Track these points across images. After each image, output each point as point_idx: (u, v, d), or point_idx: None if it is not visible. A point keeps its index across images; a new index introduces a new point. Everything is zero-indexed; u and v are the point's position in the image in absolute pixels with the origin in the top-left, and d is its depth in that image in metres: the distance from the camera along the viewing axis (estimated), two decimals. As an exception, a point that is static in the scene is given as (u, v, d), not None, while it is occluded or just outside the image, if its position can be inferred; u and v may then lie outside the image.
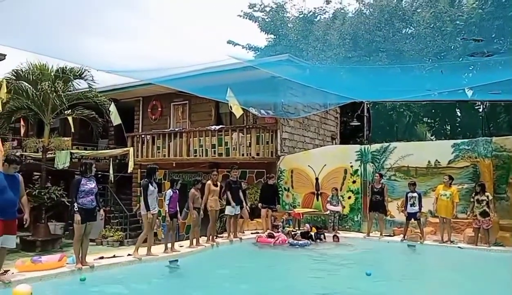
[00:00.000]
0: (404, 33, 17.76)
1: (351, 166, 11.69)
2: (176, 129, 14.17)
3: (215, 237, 9.48)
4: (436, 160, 10.56)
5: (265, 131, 12.58)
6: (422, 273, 7.71)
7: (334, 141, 16.55)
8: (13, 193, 5.67)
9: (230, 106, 11.34)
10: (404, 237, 9.90)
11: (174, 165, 14.01)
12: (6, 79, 12.47)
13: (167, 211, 8.17)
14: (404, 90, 10.88)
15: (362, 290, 6.30)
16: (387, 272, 7.78)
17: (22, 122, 16.13)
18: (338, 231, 10.78)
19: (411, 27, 17.71)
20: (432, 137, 21.67)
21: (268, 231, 10.36)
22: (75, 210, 6.47)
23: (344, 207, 11.38)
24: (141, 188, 7.89)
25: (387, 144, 11.52)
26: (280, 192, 12.61)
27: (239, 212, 9.87)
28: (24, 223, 6.01)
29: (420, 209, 9.63)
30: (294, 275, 7.55)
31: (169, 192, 8.28)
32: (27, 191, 13.16)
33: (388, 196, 10.49)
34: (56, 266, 6.50)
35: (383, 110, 20.06)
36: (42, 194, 13.03)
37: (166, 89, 13.91)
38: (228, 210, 9.59)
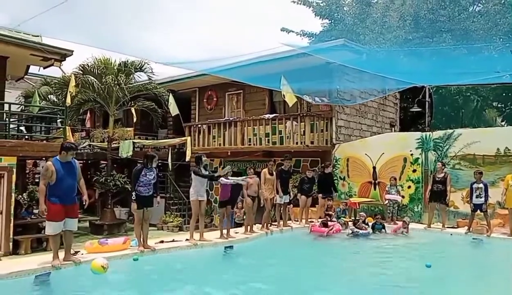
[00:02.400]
0: (471, 11, 16.48)
1: (411, 154, 11.16)
2: (231, 118, 14.38)
3: (269, 225, 9.56)
4: (506, 147, 9.76)
5: (319, 119, 12.36)
6: (488, 269, 7.22)
7: (393, 128, 15.87)
8: (71, 178, 6.00)
9: (283, 95, 11.27)
10: (469, 229, 9.32)
11: (229, 153, 14.26)
12: (74, 73, 13.37)
13: (219, 198, 8.36)
14: (471, 72, 10.10)
15: (423, 284, 6.04)
16: (449, 266, 7.38)
17: (89, 114, 17.23)
18: (397, 222, 10.38)
19: (479, 4, 16.38)
20: (502, 123, 20.03)
21: (321, 219, 10.23)
22: (133, 198, 6.86)
23: (403, 197, 10.93)
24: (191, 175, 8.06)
25: (451, 131, 10.84)
26: (336, 181, 12.38)
27: (287, 201, 9.87)
28: (84, 203, 6.33)
29: (486, 200, 8.99)
30: (349, 265, 7.39)
31: (222, 179, 8.43)
32: (95, 178, 14.28)
33: (452, 185, 9.90)
34: (121, 248, 6.93)
35: (448, 95, 18.85)
36: (108, 181, 13.89)
37: (221, 80, 14.14)
38: (277, 199, 9.61)
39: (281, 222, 9.89)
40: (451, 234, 9.41)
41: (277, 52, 11.33)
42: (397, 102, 16.61)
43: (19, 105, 16.95)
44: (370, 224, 9.96)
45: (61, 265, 5.88)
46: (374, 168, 11.73)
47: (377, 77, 10.99)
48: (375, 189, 11.70)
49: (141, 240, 7.05)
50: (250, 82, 12.69)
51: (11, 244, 9.78)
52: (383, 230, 9.79)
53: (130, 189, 7.00)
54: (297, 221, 10.67)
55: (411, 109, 16.70)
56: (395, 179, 10.83)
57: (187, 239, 7.92)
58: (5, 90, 11.90)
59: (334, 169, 12.41)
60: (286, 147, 12.28)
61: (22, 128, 17.26)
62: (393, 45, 16.42)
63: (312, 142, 12.02)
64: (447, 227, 9.76)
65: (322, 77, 11.46)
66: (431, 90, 16.42)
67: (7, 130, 11.45)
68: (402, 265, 7.29)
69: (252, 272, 6.57)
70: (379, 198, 11.41)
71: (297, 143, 12.05)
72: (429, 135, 11.11)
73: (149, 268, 6.43)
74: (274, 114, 13.24)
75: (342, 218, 10.62)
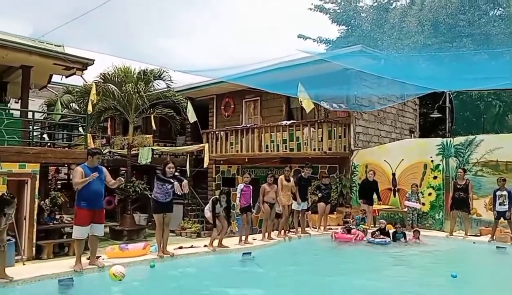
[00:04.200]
0: (492, 16, 16.18)
1: (432, 161, 10.97)
2: (248, 125, 14.43)
3: (287, 231, 9.52)
4: (531, 154, 9.51)
5: (337, 126, 12.30)
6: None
7: (412, 134, 15.65)
8: (98, 184, 6.14)
9: (301, 101, 11.27)
10: (492, 237, 9.08)
11: (246, 160, 14.30)
12: (95, 82, 13.67)
13: (239, 205, 8.38)
14: (492, 77, 9.90)
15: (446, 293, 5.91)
16: (473, 275, 7.19)
17: (109, 122, 17.55)
18: (418, 229, 10.19)
19: (500, 8, 16.08)
20: (526, 129, 19.50)
21: (340, 226, 10.15)
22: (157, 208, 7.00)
23: (423, 204, 10.75)
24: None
25: (472, 137, 10.63)
26: (354, 188, 12.28)
27: (305, 208, 9.86)
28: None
29: (510, 207, 8.75)
30: (370, 273, 7.27)
31: (240, 186, 8.49)
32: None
33: (474, 193, 9.68)
34: (141, 254, 7.02)
35: (468, 100, 18.48)
36: (128, 187, 14.08)
37: (238, 87, 14.23)
38: (294, 206, 9.58)
39: (299, 229, 9.85)
40: (474, 242, 9.19)
41: (294, 59, 11.36)
42: (417, 108, 16.40)
43: (42, 113, 17.39)
44: (390, 231, 9.82)
45: (83, 270, 5.99)
46: (393, 174, 11.58)
47: (396, 83, 10.89)
48: (394, 196, 11.54)
49: (161, 245, 7.12)
50: (267, 89, 12.74)
51: (34, 249, 10.00)
52: (402, 239, 9.62)
53: (149, 195, 7.09)
54: (315, 228, 10.60)
55: (431, 115, 16.44)
56: (417, 186, 10.67)
57: (205, 245, 7.96)
58: (29, 98, 12.23)
59: (353, 176, 12.31)
60: (303, 154, 12.24)
61: (45, 135, 17.70)
62: (412, 51, 16.25)
63: (330, 149, 11.95)
64: (470, 235, 9.53)
65: (340, 83, 11.42)
66: (451, 96, 16.14)
67: (30, 137, 11.75)
68: (425, 274, 7.15)
69: (270, 278, 6.56)
70: (399, 205, 11.24)
71: (314, 150, 11.99)
72: (450, 141, 10.91)
73: (167, 274, 6.48)
74: (292, 121, 13.23)
75: (361, 225, 10.50)
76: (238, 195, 8.43)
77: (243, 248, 8.00)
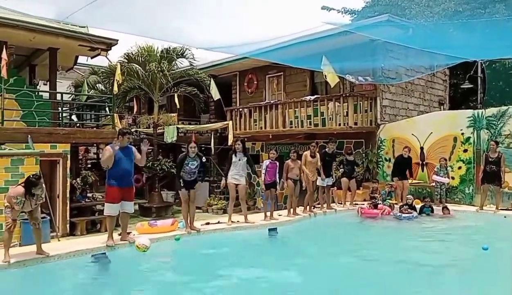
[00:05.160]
0: (529, -22, 15.15)
1: (462, 133, 10.63)
2: (272, 101, 14.32)
3: (312, 207, 9.52)
4: None
5: (363, 99, 12.03)
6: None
7: (442, 106, 15.14)
8: (128, 162, 6.30)
9: (325, 75, 11.02)
10: (525, 211, 8.80)
11: (270, 136, 14.26)
12: (119, 62, 13.81)
13: (263, 181, 8.41)
14: (528, 44, 9.37)
15: (476, 267, 5.81)
16: (504, 249, 7.01)
17: (135, 101, 17.77)
18: (446, 204, 9.99)
19: (539, -30, 15.03)
20: None
21: (366, 202, 10.07)
22: (181, 185, 7.15)
23: (452, 178, 10.48)
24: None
25: (505, 107, 10.18)
26: (381, 162, 12.09)
27: (330, 184, 9.81)
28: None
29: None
30: (397, 248, 7.21)
31: (266, 163, 8.50)
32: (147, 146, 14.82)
33: (506, 166, 9.35)
34: (169, 230, 7.21)
35: (502, 70, 17.62)
36: (155, 165, 14.37)
37: (261, 62, 14.06)
38: (319, 181, 9.53)
39: (324, 205, 9.83)
40: (505, 217, 8.93)
41: (318, 32, 11.07)
42: (447, 79, 15.80)
43: (70, 95, 17.78)
44: (418, 206, 9.67)
45: (115, 245, 6.21)
46: (421, 148, 11.30)
47: (425, 53, 10.45)
48: (422, 170, 11.30)
49: (188, 221, 7.28)
50: (291, 64, 12.52)
51: (68, 225, 10.41)
52: (431, 213, 9.47)
53: (175, 174, 7.22)
54: (341, 203, 10.56)
55: (461, 86, 15.82)
56: (446, 160, 10.39)
57: (232, 221, 8.08)
58: (57, 80, 12.51)
59: (379, 150, 12.10)
60: (328, 129, 12.08)
61: (74, 116, 18.16)
62: (442, 19, 15.51)
63: (355, 124, 11.74)
64: (501, 209, 9.27)
65: (366, 55, 11.09)
66: (483, 65, 15.44)
67: (60, 118, 12.07)
68: (453, 248, 7.05)
69: (296, 254, 6.60)
70: (427, 179, 11.01)
71: (340, 124, 11.81)
72: (482, 113, 10.50)
73: (194, 248, 6.64)
74: (316, 96, 13.03)
75: (387, 200, 10.37)
76: (263, 171, 8.44)
77: (269, 224, 8.07)
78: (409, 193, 10.62)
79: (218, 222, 8.19)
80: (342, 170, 10.48)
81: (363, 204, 10.27)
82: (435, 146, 11.06)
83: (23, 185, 5.47)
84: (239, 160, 7.92)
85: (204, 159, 7.44)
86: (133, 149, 6.52)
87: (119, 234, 6.59)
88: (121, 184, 6.21)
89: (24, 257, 5.53)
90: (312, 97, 12.78)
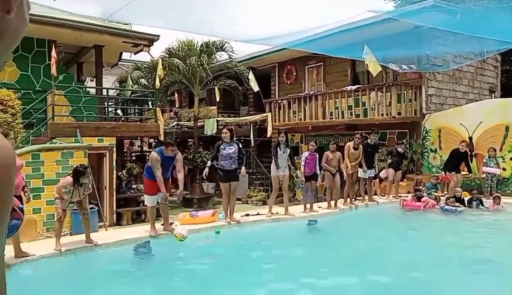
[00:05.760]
0: None
1: (515, 122, 9.99)
2: (311, 92, 14.13)
3: (353, 199, 9.34)
4: None
5: (407, 88, 11.57)
6: None
7: (493, 94, 14.29)
8: (167, 166, 6.50)
9: (367, 65, 10.69)
10: None
11: (310, 128, 14.10)
12: (161, 57, 14.14)
13: (303, 173, 8.33)
14: None
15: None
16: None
17: (176, 95, 18.18)
18: (498, 195, 9.46)
19: None
20: None
21: (410, 194, 9.74)
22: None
23: (504, 170, 9.89)
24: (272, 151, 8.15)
25: None
26: (426, 153, 11.62)
27: (372, 175, 9.58)
28: (178, 199, 6.77)
29: None
30: (440, 242, 6.93)
31: (305, 154, 8.42)
32: (184, 155, 15.14)
33: None
34: (210, 221, 7.33)
35: (560, 53, 16.35)
36: (196, 157, 14.65)
37: (300, 53, 13.88)
38: (360, 173, 9.31)
39: (366, 197, 9.61)
40: None
41: (359, 20, 10.75)
42: (498, 65, 14.87)
43: (115, 90, 18.46)
44: (466, 199, 9.23)
45: (158, 235, 6.41)
46: (470, 138, 10.74)
47: (474, 38, 9.87)
48: (471, 161, 10.74)
49: (228, 212, 7.36)
50: (331, 54, 12.26)
51: (115, 216, 10.86)
52: (481, 206, 9.01)
53: (216, 165, 7.28)
54: (384, 195, 10.28)
55: (515, 72, 14.86)
56: (494, 150, 9.82)
57: (272, 213, 8.08)
58: (103, 76, 13.01)
59: (424, 141, 11.63)
60: (370, 119, 11.76)
61: (119, 111, 18.85)
62: (492, 1, 14.57)
63: (399, 113, 11.33)
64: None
65: (410, 42, 10.64)
66: (539, 49, 14.37)
67: (106, 113, 12.57)
68: (501, 243, 6.67)
69: (336, 246, 6.52)
70: (476, 171, 10.46)
71: (382, 115, 11.46)
72: (537, 100, 9.81)
73: (234, 239, 6.71)
74: (357, 86, 12.69)
75: (432, 193, 9.97)
76: (303, 163, 8.37)
77: (308, 216, 8.01)
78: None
79: (258, 214, 8.23)
80: (390, 160, 10.18)
81: (407, 196, 9.94)
82: (485, 136, 10.48)
83: (71, 175, 5.74)
84: (283, 152, 7.89)
85: (240, 145, 7.46)
86: (179, 157, 6.61)
87: (162, 224, 6.79)
88: (154, 177, 6.38)
89: (74, 245, 5.83)
90: (354, 87, 12.46)
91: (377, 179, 10.54)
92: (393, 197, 10.12)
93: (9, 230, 4.49)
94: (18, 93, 8.77)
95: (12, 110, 7.61)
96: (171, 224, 6.93)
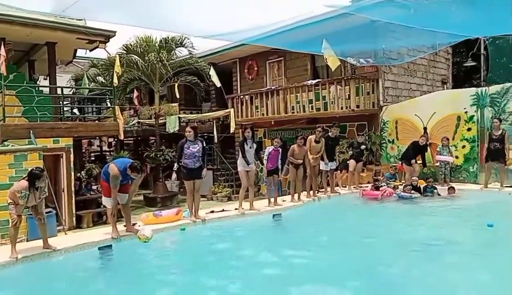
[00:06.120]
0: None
1: (466, 112, 10.53)
2: (273, 87, 14.23)
3: (316, 192, 9.52)
4: None
5: (365, 82, 11.92)
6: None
7: (445, 86, 14.98)
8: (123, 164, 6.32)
9: (326, 59, 10.88)
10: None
11: (273, 123, 14.22)
12: (118, 54, 13.72)
13: (266, 167, 8.41)
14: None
15: (480, 245, 5.81)
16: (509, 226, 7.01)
17: (136, 92, 17.72)
18: (450, 183, 9.97)
19: None
20: None
21: (371, 184, 10.08)
22: (174, 169, 7.28)
23: (456, 158, 10.43)
24: (239, 147, 8.17)
25: (509, 84, 10.06)
26: (384, 144, 12.03)
27: (334, 168, 9.83)
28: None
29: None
30: (400, 229, 7.22)
31: (268, 149, 8.50)
32: (146, 154, 14.86)
33: (510, 143, 9.28)
34: (174, 219, 7.23)
35: (505, 46, 17.30)
36: (158, 155, 14.41)
37: (261, 48, 13.93)
38: (322, 166, 9.52)
39: (328, 189, 9.83)
40: (510, 194, 8.88)
41: (317, 15, 10.93)
42: (449, 57, 15.60)
43: (70, 89, 17.75)
44: (422, 187, 9.66)
45: (120, 236, 6.25)
46: (425, 128, 11.22)
47: (426, 32, 10.28)
48: (426, 151, 11.22)
49: (193, 210, 7.30)
50: (291, 49, 12.40)
51: (74, 218, 10.49)
52: (435, 192, 9.48)
53: (179, 163, 7.18)
54: (345, 187, 10.56)
55: (464, 64, 15.66)
56: (447, 139, 10.32)
57: (236, 209, 8.10)
58: (57, 74, 12.46)
59: (382, 132, 12.03)
60: (331, 113, 12.02)
61: (75, 110, 18.15)
62: (443, -4, 15.20)
63: (358, 106, 11.66)
64: (506, 186, 9.23)
65: (367, 37, 10.91)
66: (486, 42, 15.22)
67: (61, 112, 12.07)
68: (458, 224, 7.08)
69: (301, 238, 6.62)
70: (431, 159, 10.95)
71: (342, 108, 11.74)
72: (485, 90, 10.39)
73: (199, 237, 6.68)
74: (317, 80, 12.92)
75: (391, 182, 10.36)
76: (266, 158, 8.43)
77: (273, 210, 8.09)
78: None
79: (223, 210, 8.21)
80: (351, 152, 10.44)
81: (367, 187, 10.27)
82: (438, 126, 10.99)
83: (26, 178, 5.47)
84: (250, 147, 7.89)
85: (204, 143, 7.42)
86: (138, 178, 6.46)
87: (124, 225, 6.63)
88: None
89: (32, 251, 5.58)
90: (314, 82, 12.68)
91: (339, 171, 10.80)
92: (354, 187, 10.42)
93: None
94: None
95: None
96: (133, 224, 6.77)
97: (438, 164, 10.38)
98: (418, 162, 10.26)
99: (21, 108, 11.05)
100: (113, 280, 5.14)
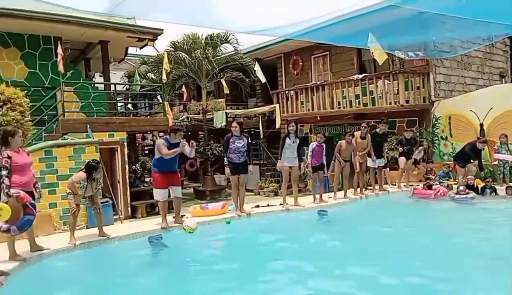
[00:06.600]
0: None
1: (526, 107, 9.86)
2: (318, 82, 14.09)
3: (363, 189, 9.35)
4: None
5: (414, 76, 11.49)
6: None
7: (503, 79, 14.09)
8: (174, 157, 6.55)
9: (372, 53, 10.62)
10: None
11: (318, 118, 14.08)
12: (166, 51, 14.20)
13: (310, 164, 8.37)
14: None
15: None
16: None
17: (184, 88, 18.26)
18: (510, 183, 9.40)
19: None
20: None
21: (423, 183, 9.72)
22: (225, 163, 7.30)
23: (516, 156, 9.80)
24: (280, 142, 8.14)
25: None
26: (436, 141, 11.56)
27: (382, 165, 9.56)
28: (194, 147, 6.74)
29: None
30: (450, 231, 6.90)
31: (312, 145, 8.45)
32: (194, 148, 15.28)
33: None
34: (220, 213, 7.43)
35: None
36: (206, 150, 14.79)
37: (306, 43, 13.84)
38: (370, 163, 9.30)
39: (376, 187, 9.61)
40: None
41: (363, 7, 10.67)
42: (507, 49, 14.61)
43: (123, 85, 18.62)
44: (479, 187, 9.18)
45: (169, 227, 6.53)
46: (481, 125, 10.64)
47: (481, 23, 9.72)
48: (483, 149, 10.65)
49: (238, 204, 7.45)
50: (336, 43, 12.15)
51: (129, 209, 11.05)
52: (494, 194, 8.96)
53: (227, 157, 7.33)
54: (395, 185, 10.26)
55: (525, 56, 14.59)
56: (506, 136, 9.71)
57: (280, 204, 8.15)
58: (111, 72, 13.12)
59: (434, 129, 11.56)
60: (378, 108, 11.71)
61: (130, 105, 19.00)
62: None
63: (407, 101, 11.27)
64: None
65: (415, 29, 10.48)
66: (550, 32, 14.08)
67: (115, 108, 12.71)
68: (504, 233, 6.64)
69: (347, 235, 6.56)
70: (488, 158, 10.37)
71: (390, 103, 11.41)
72: (549, 83, 9.66)
73: (243, 231, 6.81)
74: (364, 74, 12.63)
75: (445, 181, 9.92)
76: (310, 153, 8.40)
77: (318, 207, 8.05)
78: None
79: (268, 205, 8.31)
80: (401, 149, 10.12)
81: (418, 185, 9.92)
82: (496, 123, 10.37)
83: (84, 170, 5.86)
84: (293, 142, 7.88)
85: (249, 139, 7.51)
86: (183, 143, 6.67)
87: (173, 217, 6.91)
88: (164, 170, 6.51)
89: (88, 239, 5.98)
90: (360, 76, 12.40)
91: (387, 168, 10.52)
92: (404, 185, 10.10)
93: (22, 225, 4.66)
94: (26, 91, 8.90)
95: (20, 108, 7.74)
96: (182, 216, 7.04)
97: (496, 162, 9.81)
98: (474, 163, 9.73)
99: (78, 103, 11.76)
100: (160, 267, 5.42)
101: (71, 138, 9.72)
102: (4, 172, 4.69)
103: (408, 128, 10.42)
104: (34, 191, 5.12)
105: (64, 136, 9.91)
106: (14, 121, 7.28)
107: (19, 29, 10.87)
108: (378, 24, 10.52)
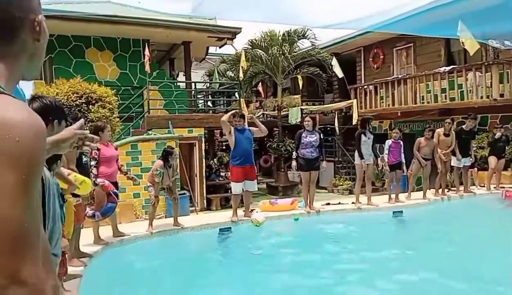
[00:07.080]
0: None
1: None
2: (400, 76, 13.33)
3: (445, 190, 8.67)
4: None
5: (511, 67, 10.30)
6: None
7: None
8: (247, 143, 6.69)
9: (462, 43, 9.75)
10: None
11: (399, 114, 13.32)
12: (244, 49, 14.50)
13: (387, 162, 7.96)
14: None
15: None
16: None
17: (261, 85, 18.51)
18: None
19: None
20: None
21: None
22: (293, 157, 7.30)
23: None
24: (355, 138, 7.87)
25: None
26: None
27: (468, 164, 8.78)
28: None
29: None
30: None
31: (388, 142, 8.04)
32: (269, 144, 15.48)
33: None
34: (289, 208, 7.44)
35: None
36: (280, 146, 14.85)
37: (387, 35, 13.17)
38: (454, 162, 8.56)
39: (461, 188, 8.84)
40: None
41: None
42: None
43: (202, 83, 19.45)
44: None
45: (239, 220, 6.70)
46: None
47: None
48: None
49: (308, 201, 7.37)
50: (421, 34, 11.42)
51: (205, 201, 11.56)
52: None
53: (297, 152, 7.30)
54: (483, 186, 9.35)
55: None
56: None
57: (353, 202, 7.90)
58: (192, 71, 13.80)
59: (534, 126, 10.29)
60: (467, 103, 10.72)
61: (209, 102, 19.83)
62: None
63: (501, 95, 10.15)
64: None
65: (512, 14, 9.43)
66: None
67: (195, 105, 13.34)
68: None
69: (423, 240, 6.13)
70: None
71: (481, 97, 10.38)
72: None
73: (311, 227, 6.73)
74: (452, 67, 11.63)
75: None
76: (386, 151, 8.00)
77: (393, 207, 7.66)
78: None
79: (339, 203, 8.11)
80: (496, 147, 9.17)
81: (511, 187, 8.92)
82: None
83: (161, 158, 6.26)
84: (368, 138, 7.61)
85: (322, 135, 7.38)
86: (252, 129, 6.83)
87: (244, 210, 7.07)
88: (242, 163, 6.62)
89: (164, 228, 6.38)
90: (448, 68, 11.46)
91: (475, 168, 9.62)
92: (494, 187, 9.15)
93: (105, 211, 5.13)
94: (115, 90, 9.72)
95: (110, 105, 8.47)
96: (251, 210, 7.17)
97: None
98: None
99: (162, 101, 12.57)
100: (227, 257, 5.62)
101: (154, 134, 10.42)
102: (93, 163, 5.21)
103: (498, 125, 9.37)
104: (127, 178, 5.75)
105: (148, 131, 10.66)
106: (104, 117, 7.99)
107: (114, 33, 11.90)
108: (469, 11, 9.67)
